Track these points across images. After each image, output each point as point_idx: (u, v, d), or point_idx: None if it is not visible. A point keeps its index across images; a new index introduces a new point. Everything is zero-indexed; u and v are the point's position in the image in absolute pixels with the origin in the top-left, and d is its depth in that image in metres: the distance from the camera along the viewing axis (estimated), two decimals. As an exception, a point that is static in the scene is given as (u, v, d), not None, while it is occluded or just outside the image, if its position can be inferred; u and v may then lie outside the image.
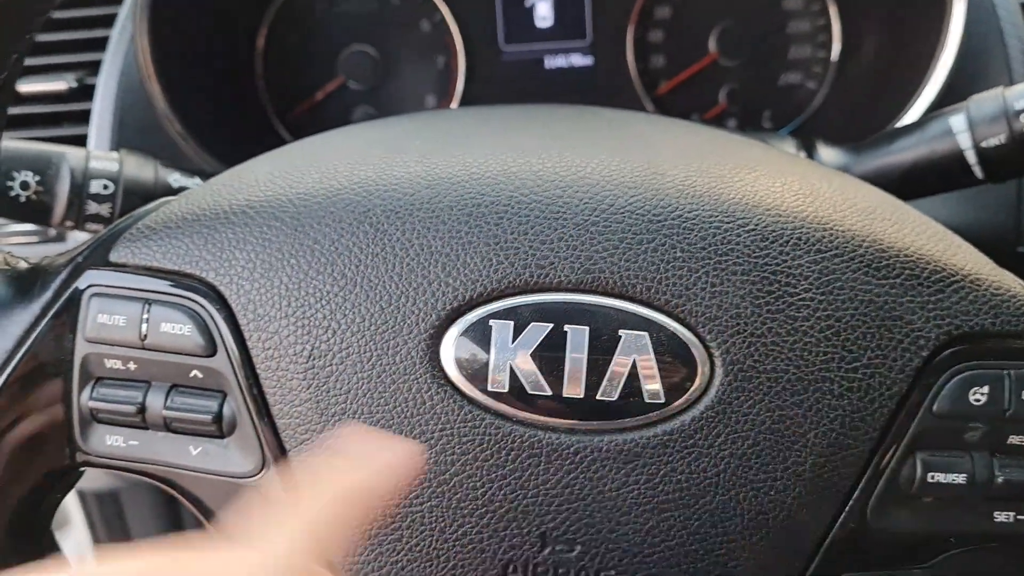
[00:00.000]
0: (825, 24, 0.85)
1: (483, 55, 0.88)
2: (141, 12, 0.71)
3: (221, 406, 0.41)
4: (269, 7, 0.86)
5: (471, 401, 0.39)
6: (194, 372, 0.42)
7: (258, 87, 0.87)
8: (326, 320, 0.40)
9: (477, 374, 0.39)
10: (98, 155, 0.57)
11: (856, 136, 0.64)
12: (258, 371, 0.41)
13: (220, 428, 0.42)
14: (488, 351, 0.39)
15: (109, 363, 0.42)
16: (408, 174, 0.42)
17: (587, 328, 0.39)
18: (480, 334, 0.39)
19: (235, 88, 0.85)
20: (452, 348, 0.39)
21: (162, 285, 0.42)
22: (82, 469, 0.44)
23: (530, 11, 0.87)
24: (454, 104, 0.88)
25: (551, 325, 0.39)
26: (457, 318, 0.39)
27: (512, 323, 0.39)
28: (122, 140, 0.75)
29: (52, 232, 0.77)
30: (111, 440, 0.43)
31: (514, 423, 0.39)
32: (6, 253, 0.46)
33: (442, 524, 0.40)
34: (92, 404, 0.42)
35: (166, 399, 0.42)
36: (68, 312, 0.43)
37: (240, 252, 0.41)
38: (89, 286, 0.42)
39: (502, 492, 0.40)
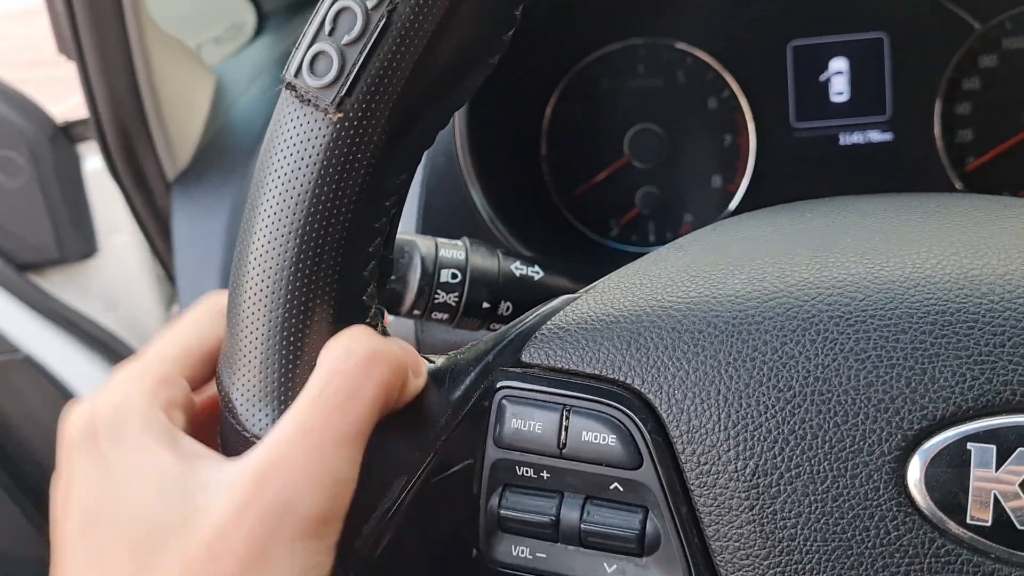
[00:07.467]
0: None
1: (773, 132, 0.84)
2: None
3: (644, 522, 0.39)
4: (558, 84, 0.85)
5: (944, 534, 0.35)
6: (614, 485, 0.39)
7: (542, 167, 0.87)
8: (771, 435, 0.37)
9: (952, 504, 0.35)
10: (445, 243, 0.57)
11: None
12: (690, 487, 0.38)
13: (641, 546, 0.39)
14: (966, 479, 0.35)
15: (520, 470, 0.40)
16: (851, 276, 0.39)
17: (1088, 456, 0.34)
18: (955, 459, 0.35)
19: (523, 169, 0.85)
20: (920, 473, 0.35)
21: (581, 391, 0.40)
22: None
23: (824, 86, 0.84)
24: (743, 183, 0.84)
25: (1043, 452, 0.34)
26: (925, 439, 0.35)
27: (994, 447, 0.35)
28: (426, 224, 0.75)
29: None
30: (517, 551, 0.41)
31: (998, 562, 0.35)
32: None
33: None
34: (502, 512, 0.40)
35: (582, 512, 0.39)
36: (479, 415, 0.41)
37: (669, 358, 0.39)
38: (501, 388, 0.41)
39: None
